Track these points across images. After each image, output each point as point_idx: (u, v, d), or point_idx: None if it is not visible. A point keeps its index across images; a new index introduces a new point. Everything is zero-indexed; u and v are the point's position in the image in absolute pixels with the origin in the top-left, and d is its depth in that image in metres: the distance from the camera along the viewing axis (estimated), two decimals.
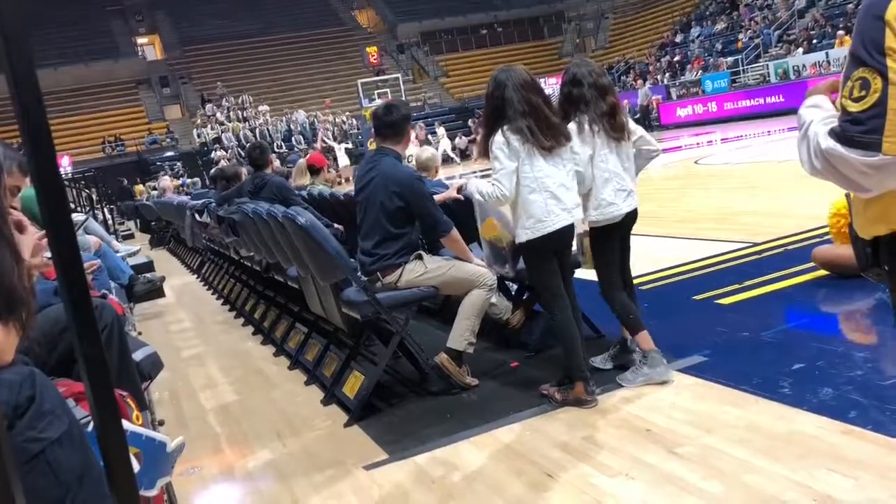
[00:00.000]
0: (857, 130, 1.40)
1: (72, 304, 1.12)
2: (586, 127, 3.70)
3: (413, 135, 11.37)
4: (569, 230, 3.64)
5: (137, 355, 2.99)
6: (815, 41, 24.87)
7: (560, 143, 3.57)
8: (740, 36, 29.70)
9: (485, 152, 3.66)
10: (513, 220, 3.69)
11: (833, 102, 1.59)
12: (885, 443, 2.78)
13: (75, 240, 1.12)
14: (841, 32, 23.36)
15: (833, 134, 1.45)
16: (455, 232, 4.07)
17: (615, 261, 3.95)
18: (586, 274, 4.20)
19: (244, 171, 8.14)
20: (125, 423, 2.00)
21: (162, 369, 3.31)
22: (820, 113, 1.56)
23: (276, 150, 29.47)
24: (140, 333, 6.74)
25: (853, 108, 1.41)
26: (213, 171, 12.58)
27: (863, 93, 1.39)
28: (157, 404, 4.81)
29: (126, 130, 36.24)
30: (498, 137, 3.54)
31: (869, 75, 1.39)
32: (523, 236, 3.61)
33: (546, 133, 3.52)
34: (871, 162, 1.40)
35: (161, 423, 4.19)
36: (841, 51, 22.76)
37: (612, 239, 3.91)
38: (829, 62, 22.78)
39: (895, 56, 1.37)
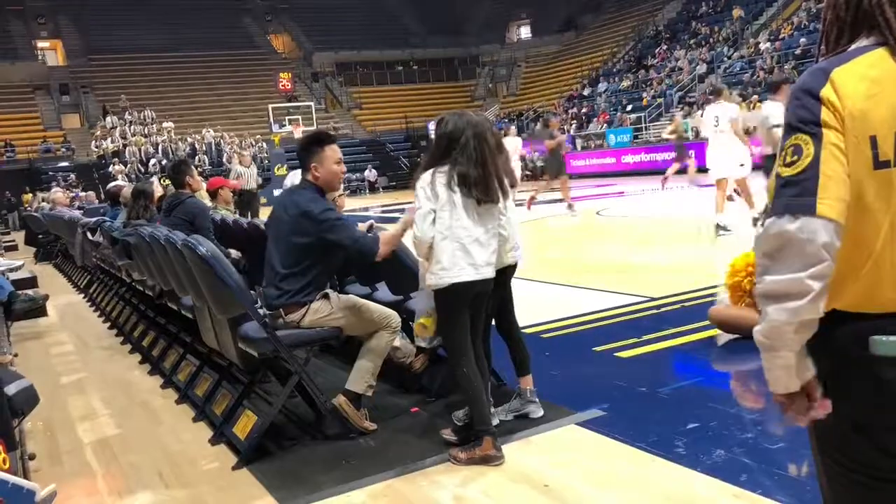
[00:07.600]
0: (790, 193, 1.41)
1: None
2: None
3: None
4: (480, 285, 3.51)
5: (10, 389, 2.76)
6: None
7: (495, 199, 3.48)
8: (644, 94, 31.00)
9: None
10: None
11: None
12: None
13: None
14: (738, 99, 24.67)
15: (765, 214, 1.45)
16: (382, 245, 3.84)
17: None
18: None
19: (152, 187, 7.80)
20: None
21: (38, 404, 3.07)
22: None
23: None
24: (16, 355, 6.32)
25: (786, 172, 1.42)
26: (109, 185, 12.03)
27: (795, 157, 1.41)
28: (29, 435, 4.47)
29: (18, 136, 34.53)
30: (424, 177, 3.45)
31: (801, 141, 1.41)
32: (431, 280, 3.49)
33: (490, 186, 3.44)
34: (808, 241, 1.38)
35: (32, 457, 3.89)
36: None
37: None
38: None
39: (829, 127, 1.40)
